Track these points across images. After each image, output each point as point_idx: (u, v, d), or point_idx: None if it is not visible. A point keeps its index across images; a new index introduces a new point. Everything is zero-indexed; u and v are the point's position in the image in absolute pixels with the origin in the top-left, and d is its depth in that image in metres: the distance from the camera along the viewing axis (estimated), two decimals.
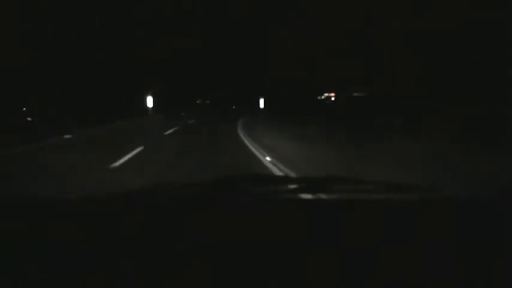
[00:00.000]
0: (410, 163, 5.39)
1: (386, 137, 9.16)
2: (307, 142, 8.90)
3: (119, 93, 24.98)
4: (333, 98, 36.03)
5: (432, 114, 11.53)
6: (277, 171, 5.61)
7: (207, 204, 0.92)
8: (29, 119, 13.74)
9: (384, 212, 0.86)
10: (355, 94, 28.61)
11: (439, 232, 0.72)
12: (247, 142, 9.70)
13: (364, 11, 17.37)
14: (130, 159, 6.98)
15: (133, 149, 8.05)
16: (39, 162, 7.04)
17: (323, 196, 1.18)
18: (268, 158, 6.73)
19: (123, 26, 27.60)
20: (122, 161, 6.70)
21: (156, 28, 34.34)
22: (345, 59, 20.93)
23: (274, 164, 6.08)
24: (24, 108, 15.25)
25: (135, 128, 17.11)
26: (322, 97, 38.41)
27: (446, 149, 6.65)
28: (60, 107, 16.71)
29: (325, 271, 0.58)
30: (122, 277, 0.57)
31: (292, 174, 5.25)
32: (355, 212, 0.88)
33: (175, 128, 15.44)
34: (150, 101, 27.71)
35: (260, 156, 7.11)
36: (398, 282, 0.56)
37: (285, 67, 31.53)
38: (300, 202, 1.10)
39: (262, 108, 36.56)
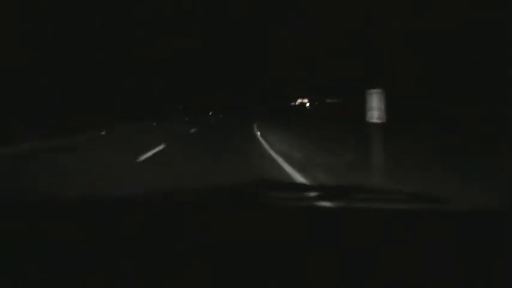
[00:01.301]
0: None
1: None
2: None
3: None
4: (307, 105, 35.30)
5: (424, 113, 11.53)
6: None
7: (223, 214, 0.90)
8: None
9: (384, 216, 0.86)
10: (328, 100, 28.26)
11: (439, 232, 0.72)
12: None
13: (364, 11, 17.37)
14: None
15: None
16: None
17: (340, 204, 1.16)
18: None
19: (123, 26, 27.60)
20: None
21: (156, 28, 34.38)
22: (345, 59, 20.92)
23: None
24: None
25: None
26: (296, 103, 37.63)
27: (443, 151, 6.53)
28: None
29: (325, 271, 0.58)
30: (122, 277, 0.57)
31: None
32: (355, 215, 0.88)
33: None
34: None
35: None
36: (398, 282, 0.56)
37: (285, 67, 31.53)
38: (304, 208, 1.10)
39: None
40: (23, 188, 4.29)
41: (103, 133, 16.85)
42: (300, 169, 6.07)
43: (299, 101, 36.51)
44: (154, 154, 8.64)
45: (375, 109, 4.83)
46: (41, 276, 0.58)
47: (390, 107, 4.79)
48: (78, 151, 10.17)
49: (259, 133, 13.93)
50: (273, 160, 7.45)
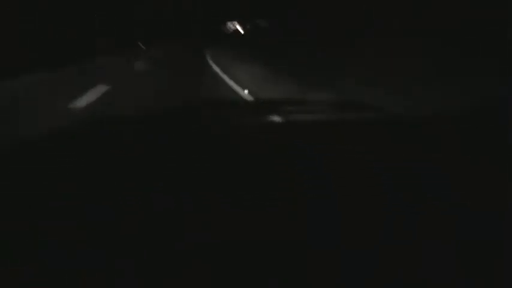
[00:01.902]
0: None
1: None
2: None
3: None
4: (242, 31, 28.18)
5: None
6: None
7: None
8: None
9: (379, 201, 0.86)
10: (261, 24, 23.17)
11: (439, 232, 0.72)
12: None
13: (364, 11, 17.38)
14: None
15: None
16: None
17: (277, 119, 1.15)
18: None
19: (123, 26, 27.61)
20: None
21: (156, 28, 34.35)
22: (345, 59, 20.88)
23: None
24: None
25: None
26: (230, 29, 30.18)
27: None
28: None
29: (325, 271, 0.58)
30: (122, 277, 0.57)
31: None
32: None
33: None
34: None
35: None
36: (398, 282, 0.56)
37: None
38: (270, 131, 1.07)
39: None
40: None
41: None
42: None
43: (229, 25, 29.36)
44: None
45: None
46: (41, 276, 0.58)
47: None
48: None
49: None
50: None
